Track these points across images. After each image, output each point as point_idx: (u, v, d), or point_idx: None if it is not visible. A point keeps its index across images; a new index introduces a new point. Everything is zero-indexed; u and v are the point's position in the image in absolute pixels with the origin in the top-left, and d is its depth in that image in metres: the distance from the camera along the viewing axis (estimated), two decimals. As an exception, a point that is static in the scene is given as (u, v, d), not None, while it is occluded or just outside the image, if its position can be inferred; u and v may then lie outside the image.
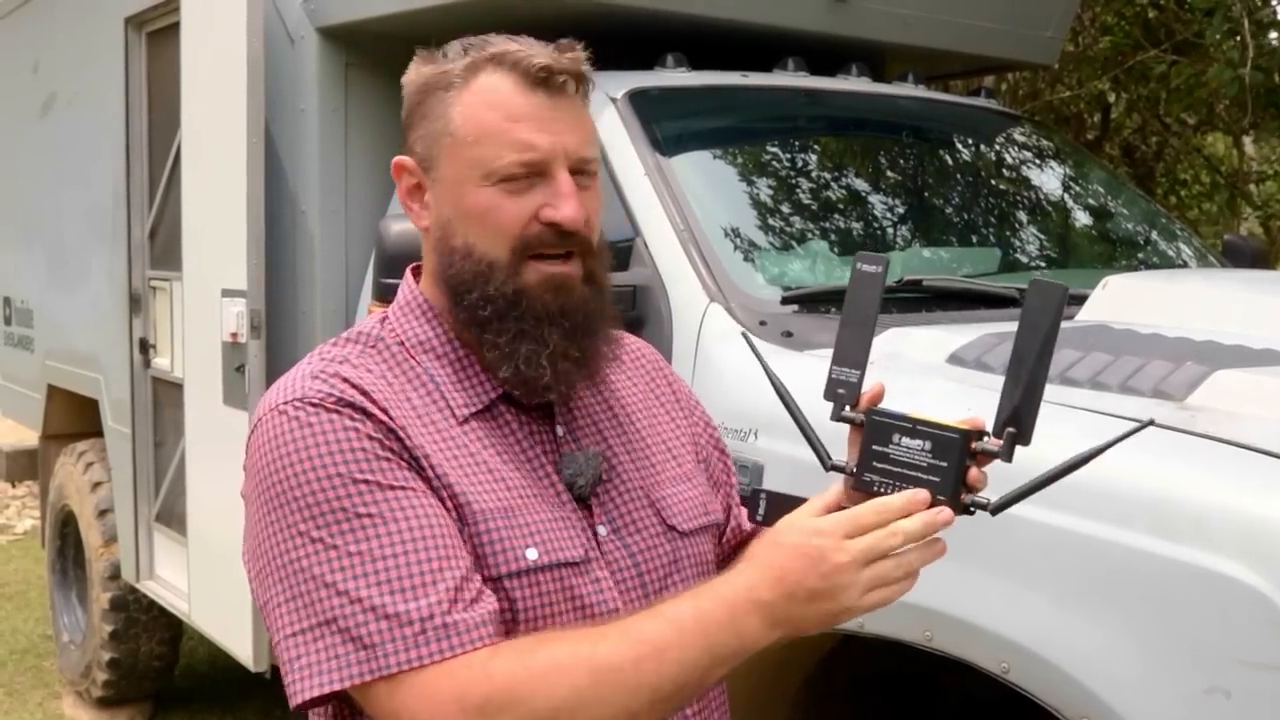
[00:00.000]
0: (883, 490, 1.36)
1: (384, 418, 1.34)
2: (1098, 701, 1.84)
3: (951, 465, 1.32)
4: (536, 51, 1.40)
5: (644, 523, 1.49)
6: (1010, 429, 1.33)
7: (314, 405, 1.33)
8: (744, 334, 1.65)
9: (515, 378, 1.41)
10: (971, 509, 1.34)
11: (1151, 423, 1.37)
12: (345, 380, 1.37)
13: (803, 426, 1.45)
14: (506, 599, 1.34)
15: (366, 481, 1.30)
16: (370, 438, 1.32)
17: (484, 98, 1.39)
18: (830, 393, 1.42)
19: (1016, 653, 1.95)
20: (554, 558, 1.37)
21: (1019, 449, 1.35)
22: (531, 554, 1.36)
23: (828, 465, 1.43)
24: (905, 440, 1.34)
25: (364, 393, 1.36)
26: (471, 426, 1.42)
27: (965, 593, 2.01)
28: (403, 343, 1.47)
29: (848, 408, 1.41)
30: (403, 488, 1.31)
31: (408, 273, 1.55)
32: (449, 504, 1.34)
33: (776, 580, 1.26)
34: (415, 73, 1.45)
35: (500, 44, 1.42)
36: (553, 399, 1.45)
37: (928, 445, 1.33)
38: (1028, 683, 1.94)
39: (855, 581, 1.25)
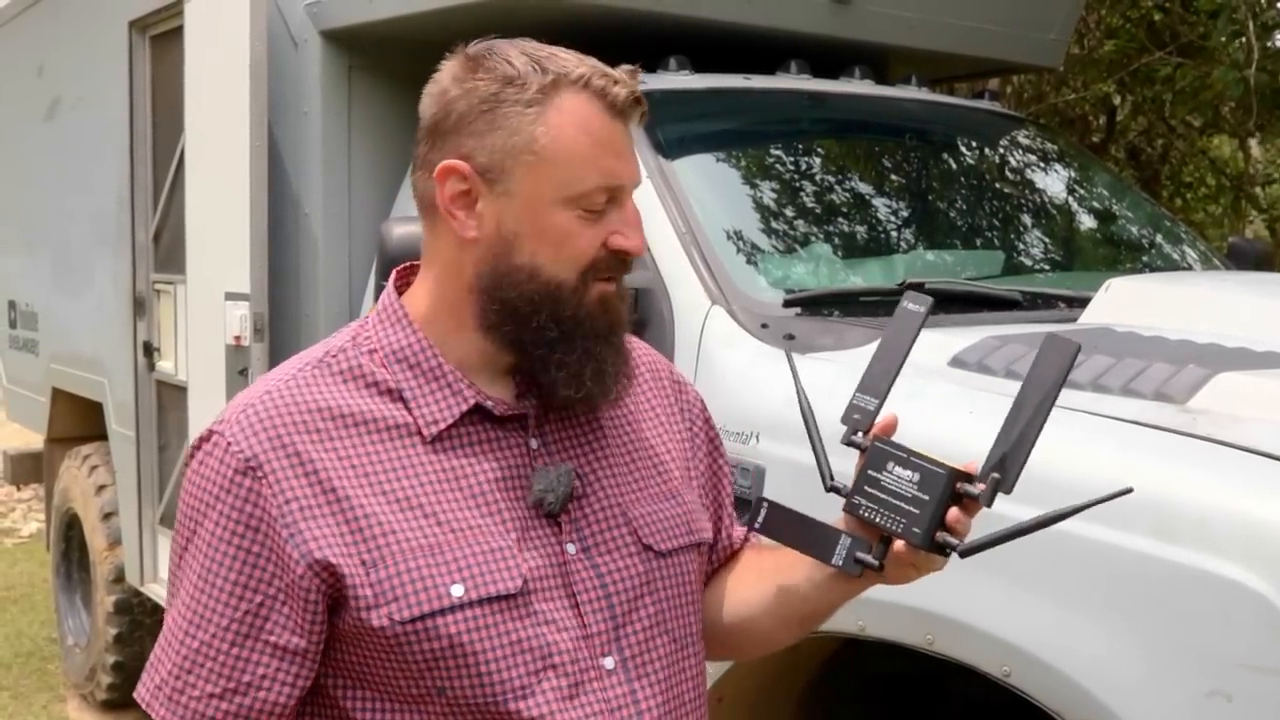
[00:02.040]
0: (867, 515, 1.39)
1: (281, 479, 1.35)
2: (1099, 705, 1.84)
3: (933, 500, 1.34)
4: (617, 78, 1.40)
5: (617, 541, 1.46)
6: (995, 475, 1.34)
7: (222, 450, 1.37)
8: (787, 352, 1.66)
9: (585, 395, 1.42)
10: (946, 549, 1.36)
11: (1131, 490, 1.40)
12: (272, 418, 1.38)
13: (815, 445, 1.47)
14: (435, 636, 1.33)
15: (212, 536, 1.37)
16: (237, 507, 1.36)
17: (573, 120, 1.38)
18: (847, 417, 1.44)
19: (1018, 656, 1.95)
20: (483, 592, 1.35)
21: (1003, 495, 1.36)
22: (457, 590, 1.34)
23: (828, 486, 1.45)
24: (898, 470, 1.37)
25: (289, 431, 1.37)
26: (439, 444, 1.41)
27: (967, 596, 2.00)
28: (375, 351, 1.44)
29: (860, 434, 1.43)
30: (232, 563, 1.36)
31: (391, 277, 1.53)
32: (362, 548, 1.35)
33: None
34: (472, 79, 1.40)
35: (575, 62, 1.40)
36: (530, 412, 1.45)
37: (916, 477, 1.36)
38: (1030, 686, 1.94)
39: None
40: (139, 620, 5.05)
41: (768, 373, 2.53)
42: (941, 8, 3.96)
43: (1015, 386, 2.18)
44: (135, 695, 1.45)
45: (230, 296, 3.82)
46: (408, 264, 1.53)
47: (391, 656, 1.35)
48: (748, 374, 2.53)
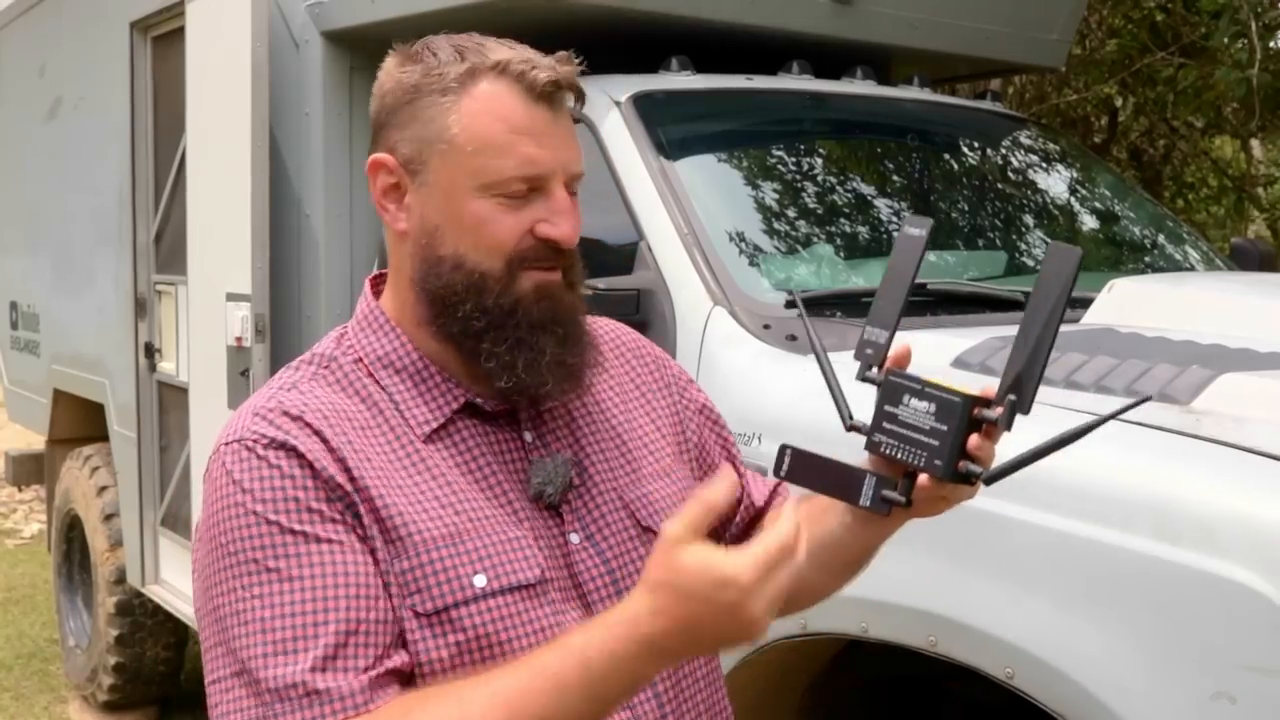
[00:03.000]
0: (888, 452, 1.35)
1: (318, 455, 1.32)
2: (1102, 707, 1.83)
3: (951, 429, 1.30)
4: (539, 62, 1.38)
5: (617, 526, 1.46)
6: (1011, 396, 1.30)
7: (248, 449, 1.32)
8: (797, 299, 1.63)
9: (516, 386, 1.39)
10: (970, 477, 1.32)
11: (1150, 398, 1.36)
12: (286, 414, 1.34)
13: (831, 385, 1.44)
14: (459, 628, 1.32)
15: (282, 531, 1.29)
16: (295, 483, 1.30)
17: (487, 107, 1.36)
18: (859, 352, 1.41)
19: (1021, 658, 1.95)
20: (505, 582, 1.34)
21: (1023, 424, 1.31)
22: (480, 580, 1.33)
23: (848, 425, 1.42)
24: (914, 402, 1.33)
25: (306, 424, 1.33)
26: (433, 444, 1.40)
27: (969, 598, 2.00)
28: (360, 360, 1.44)
29: (874, 369, 1.40)
30: (319, 540, 1.29)
31: (366, 285, 1.53)
32: (386, 538, 1.32)
33: (685, 632, 1.15)
34: (400, 71, 1.42)
35: (499, 50, 1.39)
36: (527, 404, 1.43)
37: (932, 408, 1.32)
38: (1032, 688, 1.94)
39: (766, 623, 1.17)
40: (140, 622, 5.05)
41: (770, 373, 2.52)
42: (943, 8, 3.96)
43: (1018, 387, 2.20)
44: None
45: (231, 297, 3.82)
46: (379, 271, 1.53)
47: (413, 654, 1.32)
48: (750, 374, 2.53)
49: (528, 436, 1.45)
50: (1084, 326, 2.61)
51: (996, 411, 1.31)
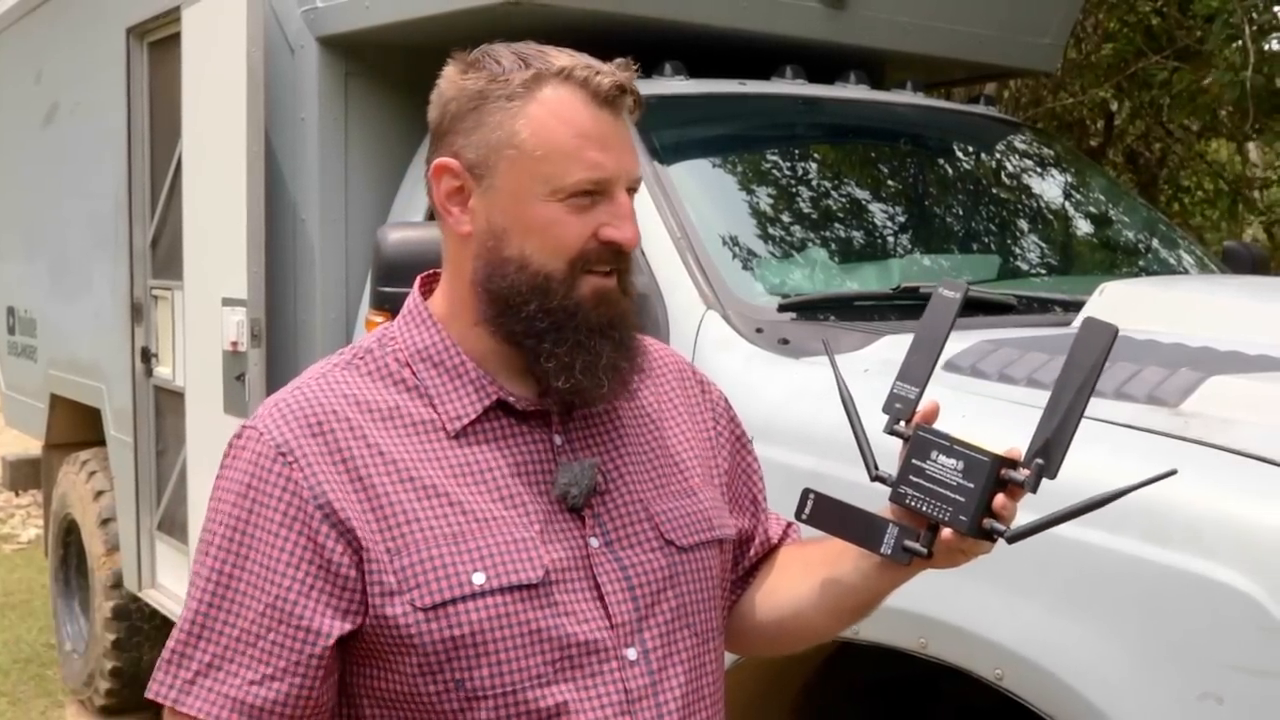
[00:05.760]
0: (913, 504, 1.40)
1: (313, 463, 1.37)
2: (1091, 707, 1.84)
3: (978, 488, 1.35)
4: (601, 68, 1.41)
5: (640, 536, 1.48)
6: (1039, 460, 1.35)
7: (253, 442, 1.40)
8: (824, 341, 1.68)
9: (573, 387, 1.42)
10: (993, 535, 1.37)
11: (1175, 472, 1.40)
12: (301, 412, 1.40)
13: (858, 435, 1.48)
14: (458, 623, 1.35)
15: (237, 525, 1.38)
16: (269, 488, 1.38)
17: (554, 112, 1.39)
18: (889, 406, 1.45)
19: (1010, 659, 1.96)
20: (504, 581, 1.36)
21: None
22: (478, 578, 1.36)
23: (873, 475, 1.46)
24: (942, 458, 1.38)
25: (317, 425, 1.39)
26: (464, 439, 1.43)
27: (959, 599, 2.01)
28: (400, 352, 1.47)
29: (901, 423, 1.44)
30: (254, 551, 1.37)
31: (415, 283, 1.55)
32: (389, 535, 1.36)
33: None
34: (463, 79, 1.44)
35: (560, 57, 1.42)
36: (563, 407, 1.46)
37: (960, 465, 1.37)
38: (1022, 689, 1.95)
39: None
40: (137, 626, 5.06)
41: (762, 377, 2.53)
42: (936, 12, 3.97)
43: (1008, 390, 2.21)
44: (152, 694, 1.40)
45: (227, 302, 3.83)
46: (432, 270, 1.56)
47: (411, 650, 1.36)
48: (742, 378, 2.54)
49: (558, 439, 1.47)
50: (1075, 329, 2.62)
51: (1023, 473, 1.36)
